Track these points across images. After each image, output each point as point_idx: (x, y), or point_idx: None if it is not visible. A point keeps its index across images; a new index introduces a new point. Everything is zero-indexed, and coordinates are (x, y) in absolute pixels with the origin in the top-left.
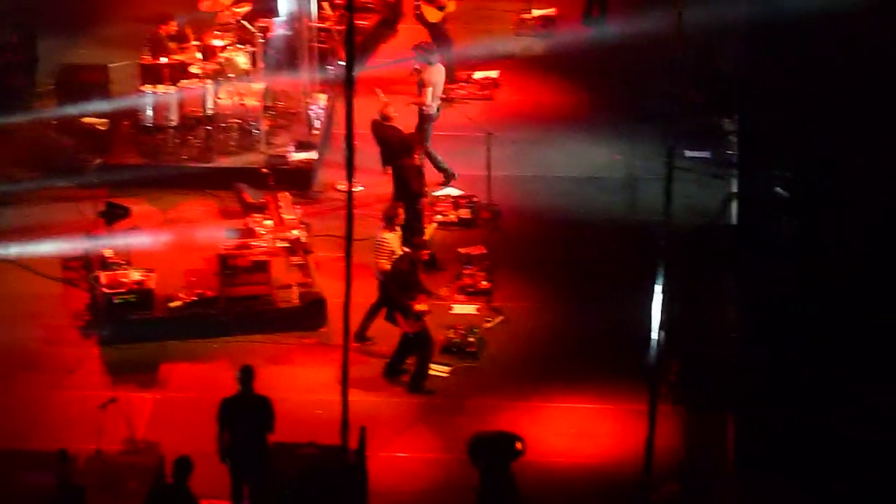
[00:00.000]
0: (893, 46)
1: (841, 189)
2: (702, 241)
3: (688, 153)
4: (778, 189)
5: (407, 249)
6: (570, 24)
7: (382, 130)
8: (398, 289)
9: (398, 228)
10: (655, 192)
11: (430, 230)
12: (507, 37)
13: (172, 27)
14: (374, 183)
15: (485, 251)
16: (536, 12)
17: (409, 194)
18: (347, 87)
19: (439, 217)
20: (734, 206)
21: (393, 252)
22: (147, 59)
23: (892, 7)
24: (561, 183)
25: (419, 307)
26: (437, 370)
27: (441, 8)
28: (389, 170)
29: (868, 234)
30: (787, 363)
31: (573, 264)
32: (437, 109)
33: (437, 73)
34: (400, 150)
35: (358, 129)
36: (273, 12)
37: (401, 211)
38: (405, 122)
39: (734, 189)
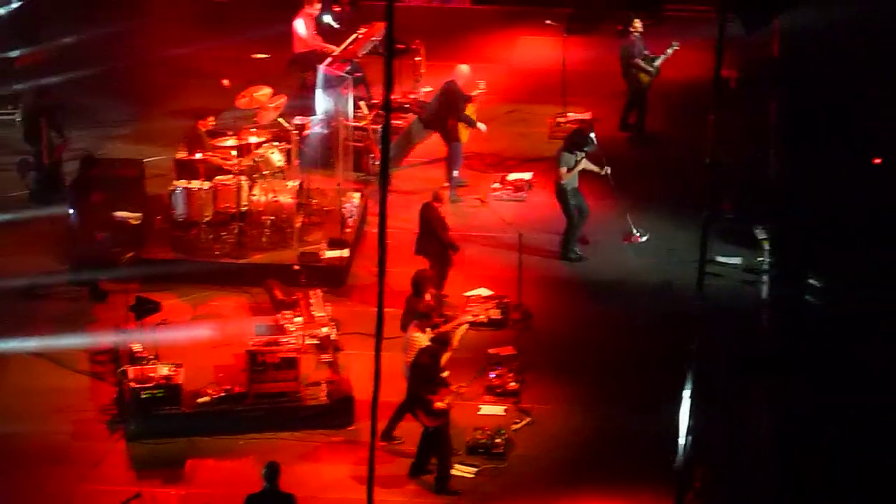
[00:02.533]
0: None
1: (873, 296)
2: (733, 347)
3: (719, 259)
4: (809, 297)
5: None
6: (607, 127)
7: (429, 211)
8: (421, 383)
9: (429, 329)
10: (687, 297)
11: (459, 334)
12: (542, 140)
13: (211, 123)
14: (405, 278)
15: (514, 352)
16: (572, 115)
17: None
18: (381, 185)
19: (469, 318)
20: (766, 313)
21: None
22: (183, 154)
23: None
24: (594, 286)
25: (440, 404)
26: (463, 471)
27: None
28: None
29: None
30: (817, 469)
31: (603, 367)
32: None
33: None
34: (435, 229)
35: (390, 228)
36: (310, 110)
37: (434, 312)
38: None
39: (765, 295)
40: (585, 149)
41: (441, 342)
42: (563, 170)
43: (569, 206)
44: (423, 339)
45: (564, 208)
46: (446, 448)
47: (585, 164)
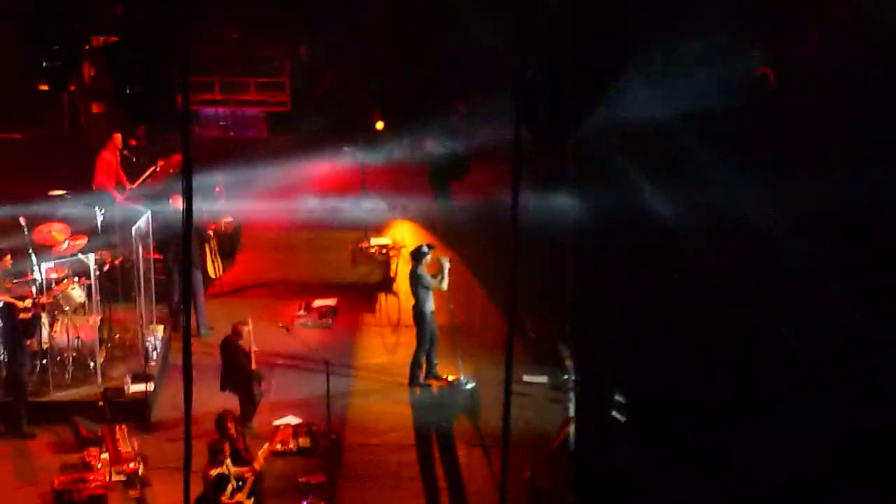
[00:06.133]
0: (730, 272)
1: (676, 411)
2: (540, 464)
3: (525, 378)
4: (615, 413)
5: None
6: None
7: (230, 346)
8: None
9: (224, 464)
10: (495, 416)
11: (262, 454)
12: (345, 266)
13: (8, 262)
14: (212, 411)
15: (324, 479)
16: (374, 241)
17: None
18: (185, 316)
19: (279, 446)
20: (572, 430)
21: None
22: None
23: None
24: (402, 408)
25: None
26: None
27: None
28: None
29: (702, 454)
30: None
31: (416, 490)
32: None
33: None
34: (239, 362)
35: (196, 361)
36: (109, 246)
37: (226, 446)
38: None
39: (571, 413)
40: (426, 256)
41: (222, 474)
42: (433, 284)
43: (425, 330)
44: (213, 471)
45: (419, 332)
46: None
47: (445, 275)
